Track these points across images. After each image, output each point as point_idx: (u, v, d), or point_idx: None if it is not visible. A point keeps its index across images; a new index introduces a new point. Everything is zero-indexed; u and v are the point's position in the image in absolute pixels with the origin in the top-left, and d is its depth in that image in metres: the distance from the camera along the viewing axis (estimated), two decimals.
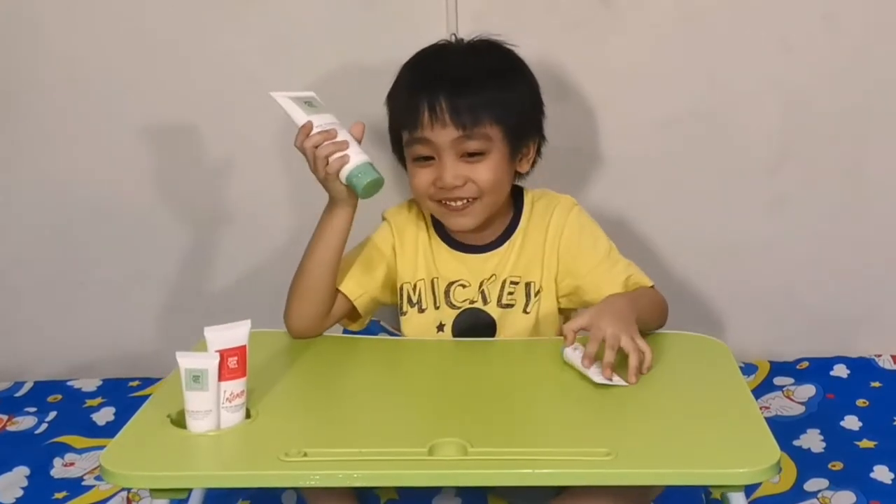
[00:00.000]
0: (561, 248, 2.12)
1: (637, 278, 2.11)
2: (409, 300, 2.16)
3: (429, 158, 2.05)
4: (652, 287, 2.12)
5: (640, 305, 1.98)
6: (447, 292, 2.14)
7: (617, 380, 1.84)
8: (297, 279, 2.07)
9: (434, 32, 2.47)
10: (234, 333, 1.73)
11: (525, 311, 2.12)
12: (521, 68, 2.15)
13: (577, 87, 2.59)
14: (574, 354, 1.89)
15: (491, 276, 2.14)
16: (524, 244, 2.14)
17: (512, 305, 2.12)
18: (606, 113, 2.60)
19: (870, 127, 2.62)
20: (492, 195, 2.07)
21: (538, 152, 2.18)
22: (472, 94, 2.03)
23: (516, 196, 2.18)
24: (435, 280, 2.15)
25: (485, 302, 2.13)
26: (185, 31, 2.61)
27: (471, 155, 2.03)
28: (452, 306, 2.14)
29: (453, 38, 2.20)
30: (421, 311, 2.14)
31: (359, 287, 2.12)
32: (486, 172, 2.04)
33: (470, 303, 2.14)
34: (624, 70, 2.58)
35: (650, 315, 2.03)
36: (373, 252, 2.14)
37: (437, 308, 2.14)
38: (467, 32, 2.41)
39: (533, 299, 2.12)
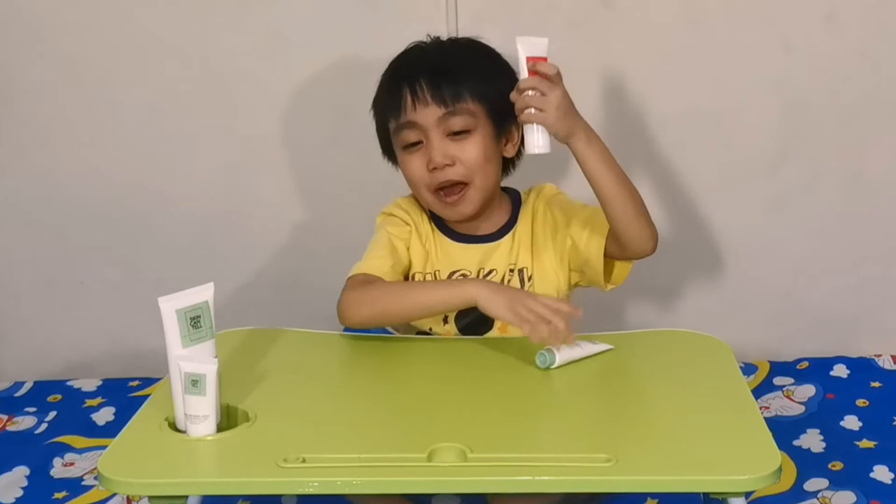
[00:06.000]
0: (552, 231, 2.12)
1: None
2: None
3: (416, 144, 2.06)
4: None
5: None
6: None
7: (597, 346, 1.88)
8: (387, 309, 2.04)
9: (434, 32, 2.46)
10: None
11: None
12: (499, 57, 2.14)
13: (577, 87, 2.57)
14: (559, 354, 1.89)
15: (491, 272, 2.13)
16: (516, 233, 2.14)
17: None
18: (606, 113, 2.60)
19: (870, 127, 2.63)
20: (481, 177, 2.06)
21: (523, 139, 2.15)
22: (452, 73, 2.05)
23: (514, 198, 2.19)
24: (437, 273, 2.14)
25: None
26: (184, 30, 2.61)
27: (456, 134, 2.04)
28: None
29: (429, 38, 2.19)
30: None
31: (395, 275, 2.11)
32: (473, 150, 2.04)
33: None
34: (624, 70, 2.58)
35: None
36: (396, 242, 2.13)
37: None
38: (467, 33, 2.42)
39: (527, 284, 2.12)
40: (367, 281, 2.06)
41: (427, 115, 2.03)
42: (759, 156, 2.65)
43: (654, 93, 2.61)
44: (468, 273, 2.14)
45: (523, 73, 1.94)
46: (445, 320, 2.14)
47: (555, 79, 1.94)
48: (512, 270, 2.13)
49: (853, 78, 2.59)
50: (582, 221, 2.09)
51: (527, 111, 1.93)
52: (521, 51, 1.94)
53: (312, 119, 2.65)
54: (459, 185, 2.06)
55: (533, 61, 1.94)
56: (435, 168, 2.04)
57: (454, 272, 2.14)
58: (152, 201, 2.71)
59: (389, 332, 2.19)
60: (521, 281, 2.13)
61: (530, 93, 1.92)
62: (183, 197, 2.72)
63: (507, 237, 2.15)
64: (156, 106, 2.65)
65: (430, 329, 2.15)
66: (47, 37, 2.63)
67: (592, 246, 2.06)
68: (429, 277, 2.15)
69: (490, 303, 1.92)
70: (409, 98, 2.04)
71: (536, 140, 1.94)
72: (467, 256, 2.15)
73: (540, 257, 2.13)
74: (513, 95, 1.95)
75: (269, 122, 2.66)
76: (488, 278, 2.12)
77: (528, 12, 2.57)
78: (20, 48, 2.64)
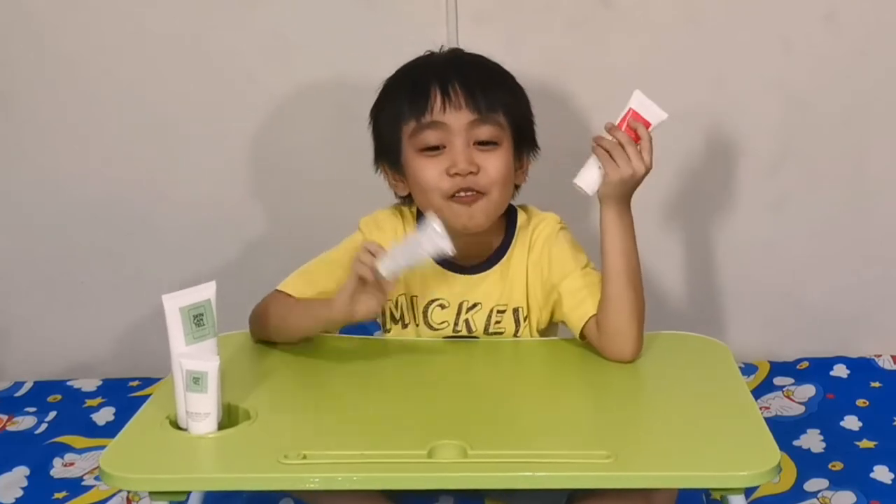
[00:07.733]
0: (544, 275, 2.04)
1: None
2: (392, 317, 2.10)
3: (436, 149, 1.96)
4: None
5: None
6: (425, 312, 2.07)
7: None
8: (285, 327, 2.04)
9: (434, 32, 2.48)
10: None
11: (515, 337, 2.06)
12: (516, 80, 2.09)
13: (577, 87, 2.59)
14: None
15: (475, 305, 2.06)
16: (509, 268, 2.06)
17: (500, 333, 2.06)
18: (606, 113, 2.58)
19: (870, 127, 2.63)
20: (498, 193, 1.97)
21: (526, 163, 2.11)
22: (486, 81, 1.99)
23: (509, 218, 2.09)
24: (414, 298, 2.08)
25: (469, 330, 2.06)
26: (184, 30, 2.61)
27: (482, 144, 1.96)
28: (430, 327, 2.07)
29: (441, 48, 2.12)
30: (404, 326, 2.09)
31: None
32: (497, 163, 1.96)
33: (453, 329, 2.07)
34: (624, 70, 2.57)
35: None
36: (346, 268, 2.04)
37: (416, 326, 2.08)
38: (467, 33, 2.42)
39: (522, 324, 2.06)
40: (281, 300, 2.06)
41: (457, 118, 1.94)
42: (759, 156, 2.65)
43: (653, 93, 2.59)
44: (446, 304, 2.07)
45: (620, 120, 1.94)
46: None
47: (645, 147, 1.91)
48: (502, 311, 2.05)
49: (853, 78, 2.59)
50: (577, 285, 2.01)
51: (601, 150, 1.91)
52: (632, 100, 1.95)
53: (312, 119, 2.65)
54: (476, 195, 1.96)
55: (637, 119, 1.93)
56: (457, 174, 1.94)
57: (432, 301, 2.07)
58: (152, 201, 2.71)
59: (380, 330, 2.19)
60: (517, 321, 2.06)
61: (620, 145, 1.90)
62: (183, 197, 2.71)
63: (497, 269, 2.06)
64: (156, 106, 2.65)
65: None
66: (47, 37, 2.63)
67: (575, 316, 1.99)
68: (402, 301, 2.08)
69: (353, 307, 1.88)
70: (438, 98, 1.95)
71: (588, 177, 1.92)
72: (449, 287, 2.06)
73: (530, 294, 2.05)
74: (601, 133, 1.92)
75: (269, 122, 2.65)
76: (472, 312, 2.06)
77: (528, 12, 2.57)
78: (20, 48, 2.64)
